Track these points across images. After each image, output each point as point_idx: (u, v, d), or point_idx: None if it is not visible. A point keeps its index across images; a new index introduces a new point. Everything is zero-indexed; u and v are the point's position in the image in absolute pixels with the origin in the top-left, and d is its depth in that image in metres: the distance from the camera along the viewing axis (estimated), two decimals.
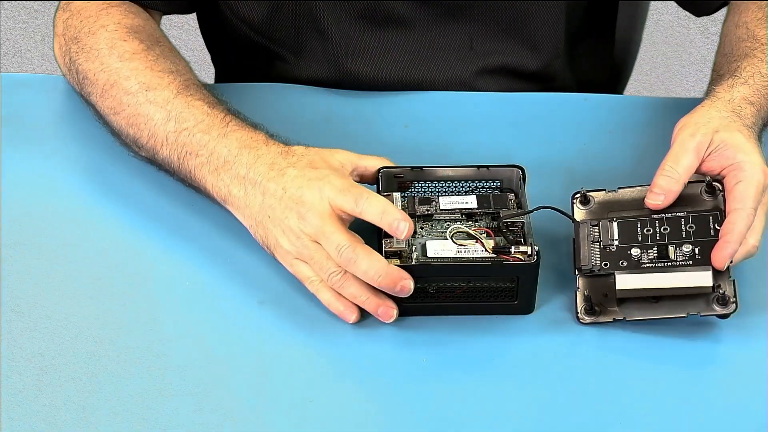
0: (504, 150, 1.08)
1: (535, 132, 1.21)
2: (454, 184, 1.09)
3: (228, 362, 1.03)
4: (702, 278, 1.01)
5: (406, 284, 1.02)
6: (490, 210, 1.07)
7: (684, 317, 1.02)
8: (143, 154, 1.15)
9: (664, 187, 1.04)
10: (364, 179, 1.09)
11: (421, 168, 1.09)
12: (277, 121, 1.11)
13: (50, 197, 1.15)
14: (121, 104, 1.16)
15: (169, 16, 1.31)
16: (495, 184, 1.09)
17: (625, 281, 1.02)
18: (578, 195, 1.07)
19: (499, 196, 1.08)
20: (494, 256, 1.02)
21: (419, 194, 1.09)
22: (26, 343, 1.04)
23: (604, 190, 1.07)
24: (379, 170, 1.08)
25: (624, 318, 1.02)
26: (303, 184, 1.04)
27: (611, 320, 1.02)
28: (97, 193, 1.16)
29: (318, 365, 1.03)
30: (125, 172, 1.17)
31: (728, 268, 1.02)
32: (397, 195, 1.08)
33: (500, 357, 1.03)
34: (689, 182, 1.05)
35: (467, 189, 1.09)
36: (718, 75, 1.17)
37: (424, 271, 1.02)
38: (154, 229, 1.13)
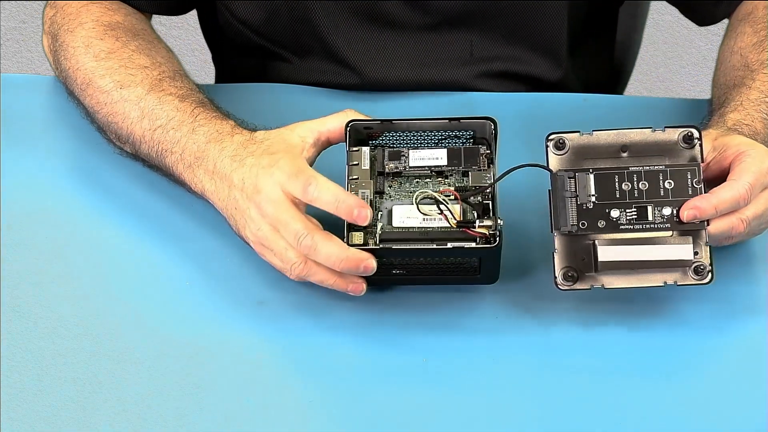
0: (504, 150, 1.08)
1: (535, 132, 1.21)
2: (425, 134, 1.07)
3: (228, 362, 1.03)
4: (683, 251, 1.01)
5: (368, 264, 1.01)
6: (461, 168, 1.06)
7: (661, 287, 1.01)
8: (128, 150, 1.16)
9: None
10: (334, 141, 1.07)
11: (390, 121, 1.06)
12: (277, 121, 1.10)
13: (50, 197, 1.15)
14: (99, 103, 1.16)
15: (170, 16, 1.31)
16: (468, 134, 1.07)
17: (608, 253, 1.01)
18: (553, 137, 1.03)
19: (470, 150, 1.06)
20: (457, 230, 1.01)
21: (389, 146, 1.07)
22: (26, 343, 1.04)
23: (578, 132, 1.03)
24: (347, 124, 1.06)
25: (602, 286, 1.01)
26: (258, 173, 1.04)
27: (589, 287, 1.01)
28: (97, 194, 1.16)
29: (318, 365, 1.03)
30: (125, 172, 1.17)
31: (705, 231, 1.01)
32: (365, 150, 1.06)
33: (501, 357, 1.03)
34: (667, 127, 1.03)
35: (439, 138, 1.06)
36: (711, 109, 1.17)
37: (385, 253, 1.02)
38: (154, 230, 1.13)
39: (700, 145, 1.02)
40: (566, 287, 1.01)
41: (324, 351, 1.04)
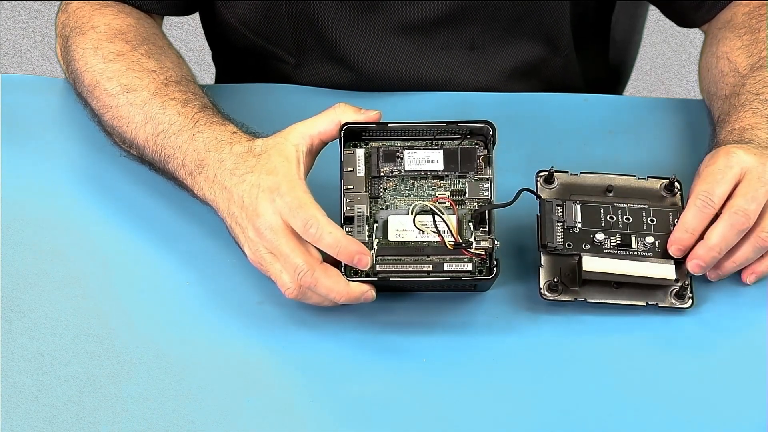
0: (503, 150, 1.08)
1: (535, 132, 1.21)
2: (420, 135, 1.07)
3: (228, 362, 1.03)
4: (666, 270, 1.03)
5: (368, 295, 1.03)
6: (457, 172, 1.06)
7: (643, 306, 1.04)
8: (134, 153, 1.16)
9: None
10: (327, 140, 1.07)
11: (386, 123, 1.06)
12: (278, 121, 1.10)
13: (50, 198, 1.15)
14: (105, 106, 1.16)
15: (172, 17, 1.31)
16: (465, 129, 1.07)
17: (592, 263, 1.04)
18: (543, 173, 1.08)
19: (467, 151, 1.07)
20: (452, 250, 1.03)
21: (383, 146, 1.07)
22: (26, 343, 1.04)
23: (567, 171, 1.08)
24: (342, 127, 1.05)
25: (585, 299, 1.04)
26: (258, 195, 1.03)
27: (572, 300, 1.04)
28: (97, 194, 1.16)
29: (318, 365, 1.03)
30: (125, 173, 1.17)
31: (684, 263, 1.04)
32: (360, 152, 1.06)
33: (501, 357, 1.04)
34: (650, 177, 1.08)
35: (434, 133, 1.06)
36: (713, 123, 1.17)
37: (383, 282, 1.03)
38: (154, 230, 1.13)
39: (681, 195, 1.07)
40: (550, 297, 1.04)
41: (324, 351, 1.04)
